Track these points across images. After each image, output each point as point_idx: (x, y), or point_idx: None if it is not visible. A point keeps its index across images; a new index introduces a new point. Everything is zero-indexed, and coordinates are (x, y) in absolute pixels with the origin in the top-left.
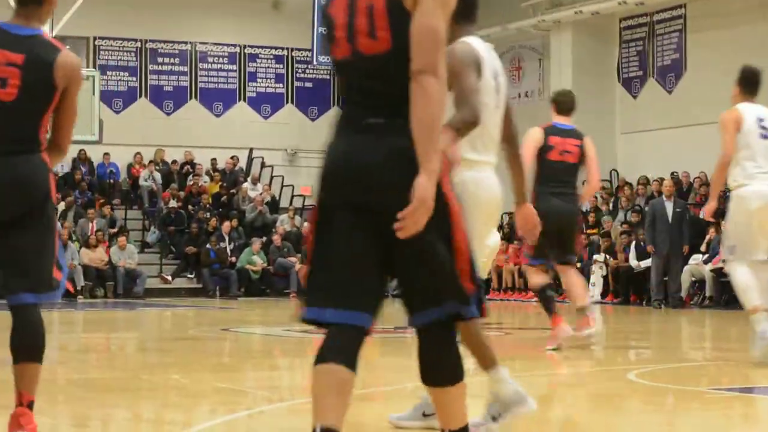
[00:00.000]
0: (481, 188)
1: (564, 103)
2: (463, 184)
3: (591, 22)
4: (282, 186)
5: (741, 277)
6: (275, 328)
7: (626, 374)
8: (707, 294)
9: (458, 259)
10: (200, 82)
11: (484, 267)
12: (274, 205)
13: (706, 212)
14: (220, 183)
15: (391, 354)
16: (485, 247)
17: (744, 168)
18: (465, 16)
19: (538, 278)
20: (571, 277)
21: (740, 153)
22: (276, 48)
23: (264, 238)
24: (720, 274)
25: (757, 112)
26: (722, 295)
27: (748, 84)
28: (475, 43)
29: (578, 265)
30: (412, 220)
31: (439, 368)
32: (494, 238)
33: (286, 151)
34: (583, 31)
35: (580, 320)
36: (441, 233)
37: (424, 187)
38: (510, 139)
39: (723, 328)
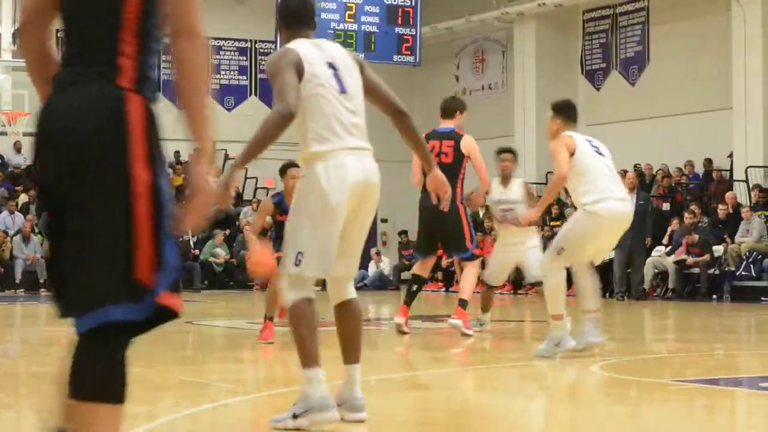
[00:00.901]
0: (332, 177)
1: (445, 109)
2: (308, 180)
3: (554, 14)
4: (245, 178)
5: (557, 282)
6: (239, 320)
7: (589, 366)
8: (670, 286)
9: (136, 249)
10: (163, 74)
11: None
12: (237, 198)
13: (524, 220)
14: (183, 176)
15: None
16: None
17: (594, 188)
18: (293, 21)
19: (418, 269)
20: (466, 273)
21: (583, 175)
22: (239, 40)
23: (227, 231)
24: (683, 266)
25: (584, 137)
26: (685, 286)
27: (569, 114)
28: (297, 44)
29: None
30: (194, 214)
31: (81, 377)
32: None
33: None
34: (547, 23)
35: (457, 310)
36: (111, 217)
37: (197, 173)
38: (394, 115)
39: (686, 319)
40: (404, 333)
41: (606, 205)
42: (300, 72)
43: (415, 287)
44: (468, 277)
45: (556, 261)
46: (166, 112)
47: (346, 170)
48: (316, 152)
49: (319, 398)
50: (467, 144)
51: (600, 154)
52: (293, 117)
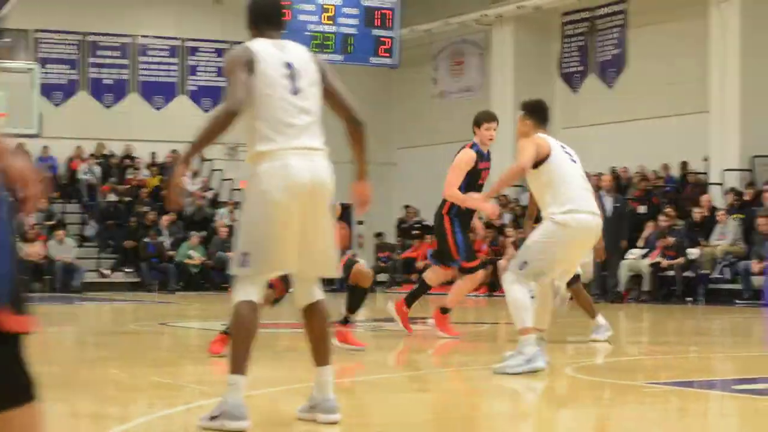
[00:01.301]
0: (275, 177)
1: None
2: (252, 180)
3: (533, 17)
4: (221, 180)
5: (519, 294)
6: (213, 322)
7: (564, 369)
8: (645, 288)
9: None
10: (140, 75)
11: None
12: (213, 199)
13: (490, 212)
14: (159, 177)
15: None
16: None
17: (567, 197)
18: (258, 21)
19: (428, 275)
20: (456, 284)
21: (557, 183)
22: (217, 41)
23: (203, 233)
24: (658, 269)
25: (558, 142)
26: (660, 289)
27: (541, 116)
28: (255, 43)
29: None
30: None
31: None
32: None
33: (226, 145)
34: (525, 26)
35: (434, 313)
36: None
37: None
38: (349, 122)
39: (660, 322)
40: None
41: (578, 216)
42: (251, 70)
43: (416, 289)
44: (456, 287)
45: (518, 276)
46: (140, 112)
47: (291, 170)
48: (262, 152)
49: (233, 405)
50: (456, 157)
51: (573, 162)
52: (237, 113)
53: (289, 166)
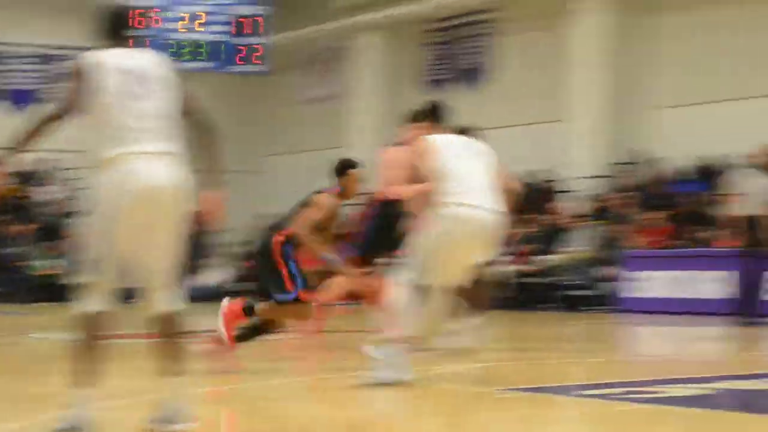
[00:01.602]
0: (113, 183)
1: None
2: (92, 186)
3: (398, 25)
4: (79, 189)
5: (402, 299)
6: (69, 333)
7: (419, 376)
8: (503, 295)
9: None
10: (4, 82)
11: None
12: (70, 209)
13: None
14: (17, 185)
15: None
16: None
17: (457, 191)
18: (109, 31)
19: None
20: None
21: (441, 177)
22: (84, 49)
23: (56, 241)
24: (516, 275)
25: (459, 138)
26: (518, 295)
27: (430, 115)
28: (98, 52)
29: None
30: None
31: None
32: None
33: (85, 154)
34: (390, 34)
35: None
36: None
37: None
38: (194, 126)
39: (518, 328)
40: None
41: (468, 210)
42: (87, 79)
43: None
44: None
45: (411, 276)
46: (4, 120)
47: (130, 175)
48: (108, 158)
49: (81, 419)
50: (385, 157)
51: (474, 157)
52: (57, 118)
53: (130, 171)
